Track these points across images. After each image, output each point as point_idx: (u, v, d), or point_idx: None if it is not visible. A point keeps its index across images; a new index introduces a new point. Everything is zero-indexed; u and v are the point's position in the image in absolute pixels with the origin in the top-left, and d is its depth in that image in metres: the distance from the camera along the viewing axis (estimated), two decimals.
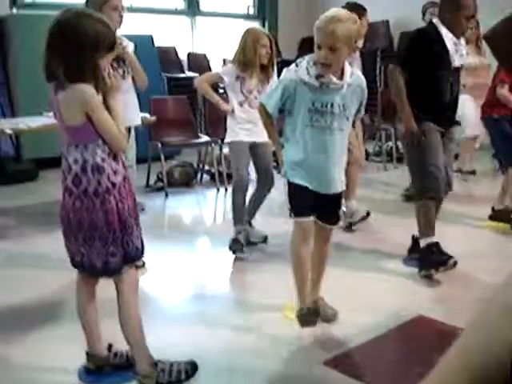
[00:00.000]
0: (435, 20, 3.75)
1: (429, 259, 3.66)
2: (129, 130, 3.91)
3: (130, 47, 3.90)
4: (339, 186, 2.92)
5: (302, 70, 2.74)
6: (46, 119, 4.62)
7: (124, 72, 3.83)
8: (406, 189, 5.64)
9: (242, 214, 4.23)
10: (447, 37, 3.63)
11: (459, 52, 3.69)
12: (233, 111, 4.16)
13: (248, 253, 4.15)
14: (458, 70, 3.72)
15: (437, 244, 3.69)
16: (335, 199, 2.97)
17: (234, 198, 4.20)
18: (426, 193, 3.71)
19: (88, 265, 2.35)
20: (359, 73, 2.93)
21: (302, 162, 2.81)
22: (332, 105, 2.76)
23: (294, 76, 2.75)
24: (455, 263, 3.61)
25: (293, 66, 2.81)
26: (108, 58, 2.29)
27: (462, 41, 3.77)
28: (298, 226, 2.91)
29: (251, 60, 4.03)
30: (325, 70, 2.70)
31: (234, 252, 4.13)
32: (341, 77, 2.76)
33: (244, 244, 4.15)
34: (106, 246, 2.29)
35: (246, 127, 4.08)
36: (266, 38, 4.09)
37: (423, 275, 3.64)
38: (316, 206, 2.90)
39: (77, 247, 2.34)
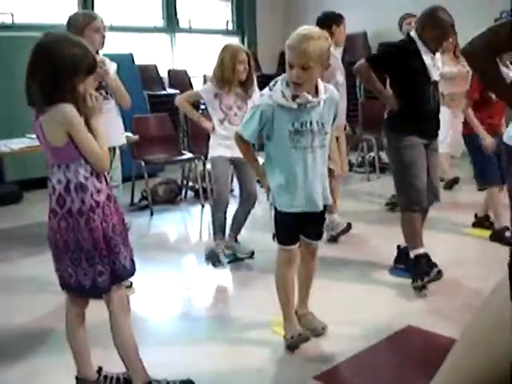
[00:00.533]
0: (412, 33, 3.74)
1: (417, 270, 3.67)
2: (114, 149, 3.91)
3: (113, 67, 3.88)
4: (325, 201, 2.92)
5: (276, 93, 2.71)
6: (29, 141, 4.59)
7: (107, 93, 3.82)
8: (391, 196, 5.62)
9: (222, 228, 4.27)
10: (425, 51, 3.65)
11: (436, 66, 3.72)
12: (213, 128, 4.19)
13: (225, 260, 4.25)
14: (435, 83, 3.75)
15: (425, 255, 3.70)
16: (321, 215, 2.98)
17: (213, 214, 4.31)
18: (409, 206, 3.74)
19: (76, 285, 2.34)
20: (330, 86, 2.91)
21: (288, 185, 2.80)
22: (311, 123, 2.75)
23: (270, 101, 2.71)
24: (439, 272, 3.61)
25: (266, 90, 2.77)
26: (89, 80, 2.30)
27: (438, 55, 3.79)
28: (284, 252, 2.92)
29: (229, 76, 4.07)
30: (298, 89, 2.68)
31: (213, 264, 4.25)
32: (315, 94, 2.76)
33: (221, 256, 4.25)
34: (93, 265, 2.29)
35: (225, 143, 4.08)
36: (244, 53, 4.12)
37: (414, 287, 3.65)
38: (303, 226, 2.91)
39: (65, 268, 2.33)
